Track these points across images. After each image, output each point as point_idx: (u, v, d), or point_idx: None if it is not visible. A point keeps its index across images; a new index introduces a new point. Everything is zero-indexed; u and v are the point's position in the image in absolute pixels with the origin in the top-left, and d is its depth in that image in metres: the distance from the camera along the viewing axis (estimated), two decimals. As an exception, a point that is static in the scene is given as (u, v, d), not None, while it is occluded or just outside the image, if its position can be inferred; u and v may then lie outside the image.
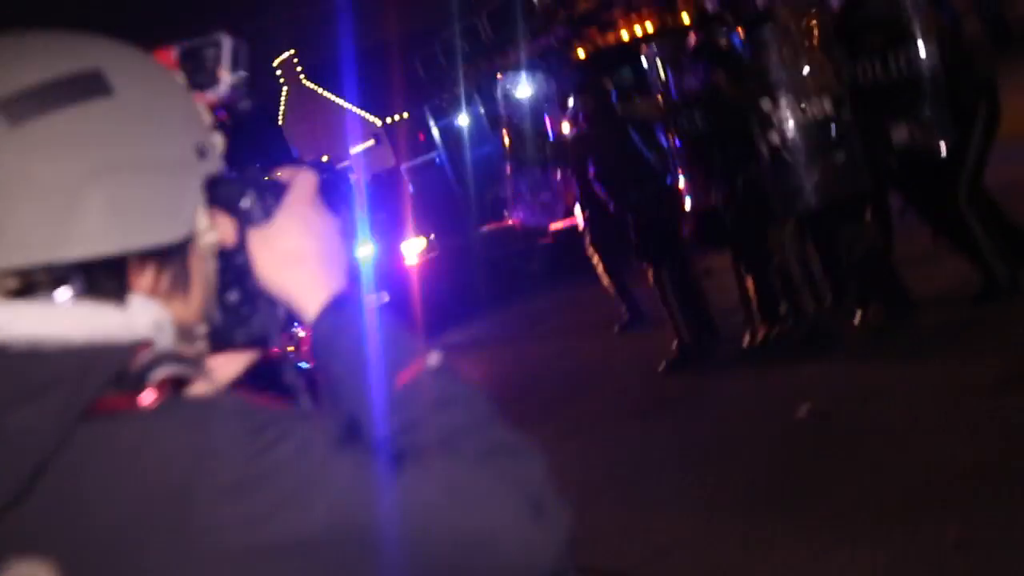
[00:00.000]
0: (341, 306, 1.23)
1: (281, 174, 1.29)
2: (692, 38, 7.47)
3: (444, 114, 15.63)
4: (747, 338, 7.68)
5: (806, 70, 6.54)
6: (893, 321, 6.81)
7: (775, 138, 6.55)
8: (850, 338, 6.99)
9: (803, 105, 6.46)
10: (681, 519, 5.41)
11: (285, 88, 41.20)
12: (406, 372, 1.19)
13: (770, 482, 5.45)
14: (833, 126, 6.48)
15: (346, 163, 30.46)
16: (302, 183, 1.27)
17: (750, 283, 7.45)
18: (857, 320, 6.97)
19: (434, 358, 1.22)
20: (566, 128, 8.97)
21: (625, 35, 13.15)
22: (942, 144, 6.36)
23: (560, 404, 8.31)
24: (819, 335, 7.12)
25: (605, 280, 9.47)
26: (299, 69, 40.81)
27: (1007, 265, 6.59)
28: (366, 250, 14.08)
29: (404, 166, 21.30)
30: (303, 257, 1.23)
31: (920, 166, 6.54)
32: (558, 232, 12.11)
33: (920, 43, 6.29)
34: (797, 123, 6.50)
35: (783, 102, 6.52)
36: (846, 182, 6.66)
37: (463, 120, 15.16)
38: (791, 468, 5.51)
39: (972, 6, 7.07)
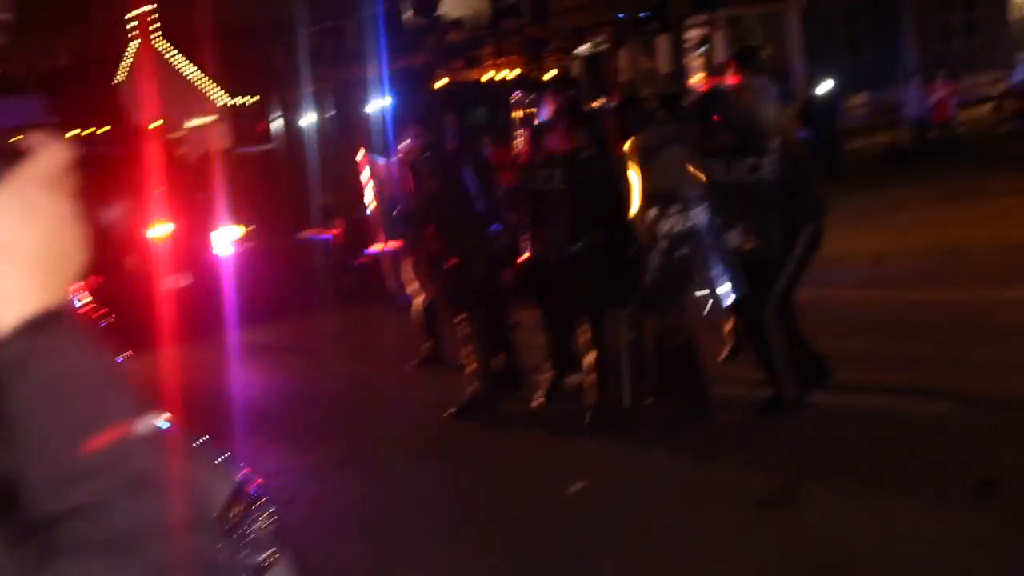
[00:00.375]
0: (44, 327, 0.91)
1: (24, 140, 0.98)
2: (554, 96, 7.43)
3: (291, 109, 15.26)
4: (538, 398, 7.63)
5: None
6: (687, 415, 6.84)
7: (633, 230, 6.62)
8: (642, 424, 6.97)
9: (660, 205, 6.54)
10: (430, 566, 5.30)
11: (135, 44, 39.83)
12: (102, 436, 0.89)
13: (524, 551, 5.38)
14: (683, 225, 6.55)
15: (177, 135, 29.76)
16: (45, 156, 0.97)
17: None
18: (650, 404, 6.99)
19: (145, 424, 0.92)
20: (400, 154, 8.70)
21: (489, 75, 13.10)
22: (766, 255, 6.54)
23: (338, 431, 8.07)
24: (612, 414, 7.10)
25: (416, 312, 9.26)
26: (153, 27, 39.46)
27: (794, 385, 6.74)
28: (163, 229, 13.50)
29: (237, 150, 20.77)
30: (9, 250, 0.92)
31: (745, 270, 6.64)
32: (377, 253, 11.89)
33: (767, 156, 6.44)
34: (652, 218, 6.57)
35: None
36: (682, 277, 6.80)
37: (310, 119, 14.82)
38: (549, 542, 5.44)
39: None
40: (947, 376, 7.11)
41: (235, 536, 3.52)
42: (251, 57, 19.22)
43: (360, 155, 8.60)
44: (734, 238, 6.53)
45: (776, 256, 6.58)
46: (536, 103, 7.48)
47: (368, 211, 9.54)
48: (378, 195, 8.74)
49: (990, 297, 8.63)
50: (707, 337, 7.29)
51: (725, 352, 7.76)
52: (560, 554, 5.34)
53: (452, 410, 7.79)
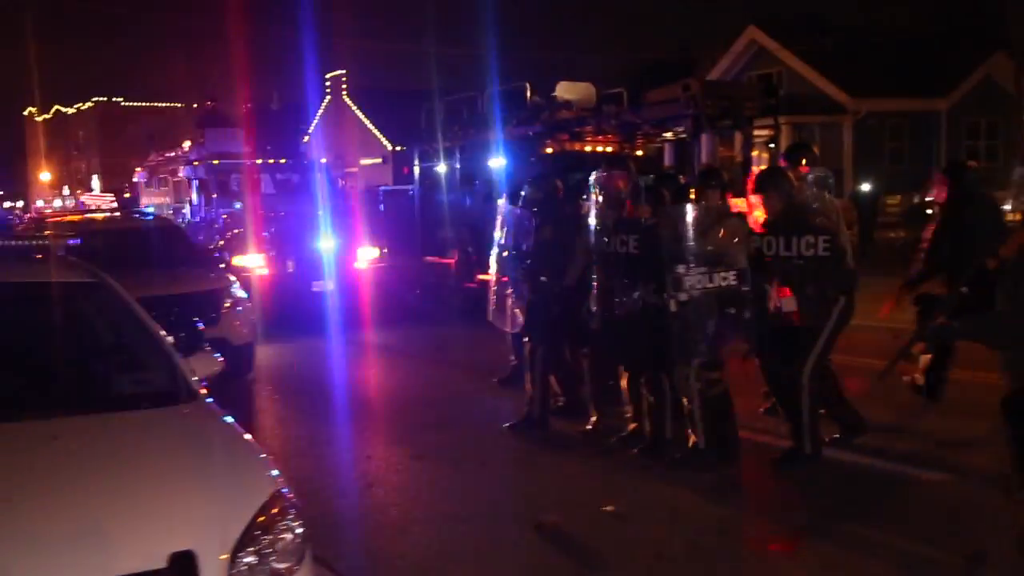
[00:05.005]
0: None
1: None
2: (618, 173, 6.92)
3: (428, 159, 14.98)
4: (590, 423, 7.07)
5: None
6: (714, 459, 6.19)
7: (683, 295, 5.97)
8: (676, 463, 6.28)
9: (711, 272, 5.91)
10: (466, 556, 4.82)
11: (328, 98, 40.49)
12: None
13: (546, 554, 4.85)
14: (733, 294, 5.92)
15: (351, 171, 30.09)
16: None
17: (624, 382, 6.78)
18: (684, 450, 6.32)
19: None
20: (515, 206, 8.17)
21: (587, 148, 12.64)
22: (807, 323, 5.98)
23: (424, 428, 7.60)
24: (656, 451, 6.47)
25: (510, 337, 8.54)
26: (344, 86, 40.06)
27: (815, 443, 6.09)
28: (330, 243, 13.41)
29: (382, 188, 20.67)
30: None
31: (781, 333, 6.02)
32: (484, 281, 11.54)
33: (822, 236, 5.88)
34: (704, 286, 5.93)
35: (693, 266, 5.95)
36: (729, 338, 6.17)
37: (441, 169, 14.53)
38: (569, 552, 4.93)
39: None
40: (953, 449, 6.37)
41: (265, 539, 3.08)
42: (406, 115, 19.11)
43: (500, 203, 8.09)
44: (789, 304, 5.89)
45: (814, 326, 6.00)
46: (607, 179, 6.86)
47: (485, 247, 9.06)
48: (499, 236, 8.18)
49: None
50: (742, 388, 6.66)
51: (766, 405, 7.08)
52: (577, 564, 4.86)
53: (507, 424, 7.29)
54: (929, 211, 9.26)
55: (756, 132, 13.19)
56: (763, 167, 12.93)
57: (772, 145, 13.48)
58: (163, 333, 4.25)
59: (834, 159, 24.89)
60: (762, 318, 5.97)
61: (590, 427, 7.09)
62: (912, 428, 6.87)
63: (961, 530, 5.00)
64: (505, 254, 7.60)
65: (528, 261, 7.36)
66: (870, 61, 25.61)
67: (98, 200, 31.84)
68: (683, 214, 5.99)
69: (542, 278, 7.24)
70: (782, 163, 7.33)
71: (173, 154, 18.85)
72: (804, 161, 7.13)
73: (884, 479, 5.94)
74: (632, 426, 6.78)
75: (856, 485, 5.87)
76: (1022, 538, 4.13)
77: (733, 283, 5.92)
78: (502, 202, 8.08)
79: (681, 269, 5.94)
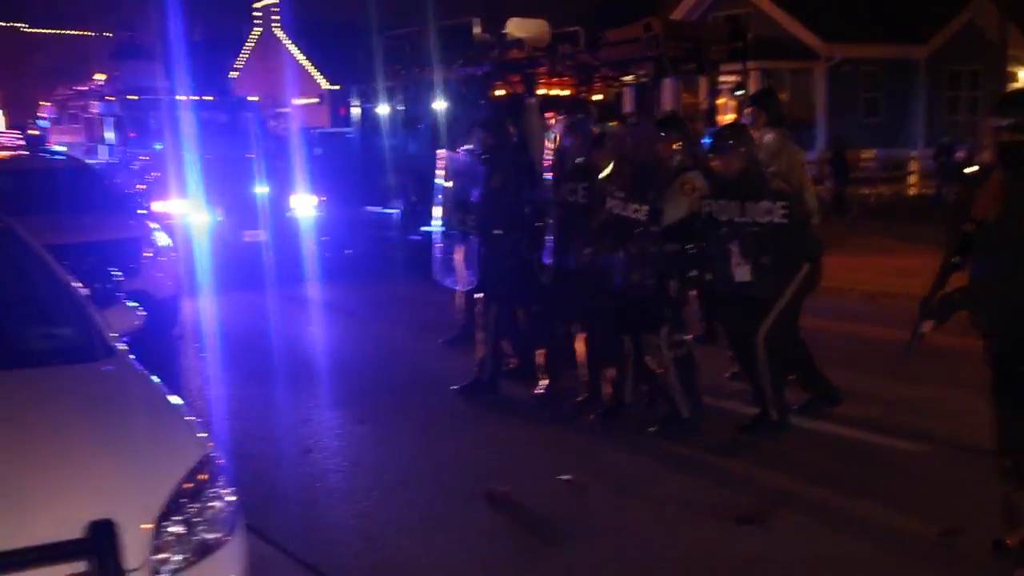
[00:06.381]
0: None
1: None
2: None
3: (368, 99, 14.76)
4: (542, 386, 7.09)
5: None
6: (692, 428, 6.25)
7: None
8: (636, 430, 6.33)
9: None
10: (410, 524, 4.83)
11: (258, 31, 39.65)
12: None
13: (499, 527, 4.90)
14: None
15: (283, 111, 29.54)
16: None
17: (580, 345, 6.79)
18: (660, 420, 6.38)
19: None
20: (462, 150, 8.09)
21: (541, 91, 12.52)
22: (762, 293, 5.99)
23: (364, 391, 7.59)
24: (613, 416, 6.52)
25: (460, 294, 8.52)
26: (276, 17, 39.21)
27: (779, 408, 6.16)
28: (262, 189, 13.20)
29: (316, 131, 20.33)
30: None
31: (739, 299, 6.05)
32: (429, 233, 11.42)
33: (780, 201, 5.85)
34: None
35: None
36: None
37: (382, 110, 14.32)
38: (525, 524, 5.02)
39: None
40: (928, 418, 6.51)
41: (192, 507, 3.03)
42: (344, 51, 18.79)
43: (441, 151, 7.97)
44: (743, 273, 5.89)
45: (771, 293, 6.02)
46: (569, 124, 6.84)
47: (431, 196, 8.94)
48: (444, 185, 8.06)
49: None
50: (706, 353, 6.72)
51: (733, 370, 7.15)
52: (531, 536, 4.91)
53: (455, 387, 7.30)
54: (968, 170, 8.94)
55: (722, 78, 13.22)
56: (729, 118, 13.02)
57: (739, 92, 13.52)
58: (76, 284, 4.13)
59: (806, 108, 25.12)
60: (725, 280, 5.99)
61: (541, 391, 7.10)
62: (887, 396, 6.99)
63: (936, 502, 5.11)
64: (450, 205, 7.52)
65: (477, 212, 7.30)
66: (845, 3, 25.73)
67: (3, 138, 30.98)
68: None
69: (495, 231, 7.18)
70: (747, 112, 7.32)
71: (85, 88, 18.28)
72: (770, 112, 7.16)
73: (855, 448, 6.05)
74: (587, 390, 6.81)
75: (826, 454, 5.97)
76: (1008, 509, 4.24)
77: (643, 219, 5.99)
78: (443, 151, 7.98)
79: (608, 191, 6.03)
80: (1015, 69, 26.37)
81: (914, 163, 23.91)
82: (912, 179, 23.76)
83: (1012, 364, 4.04)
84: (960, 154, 20.34)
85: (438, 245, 7.69)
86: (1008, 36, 24.24)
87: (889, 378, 7.23)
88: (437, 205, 7.63)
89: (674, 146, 6.67)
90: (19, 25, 62.01)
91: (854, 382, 6.97)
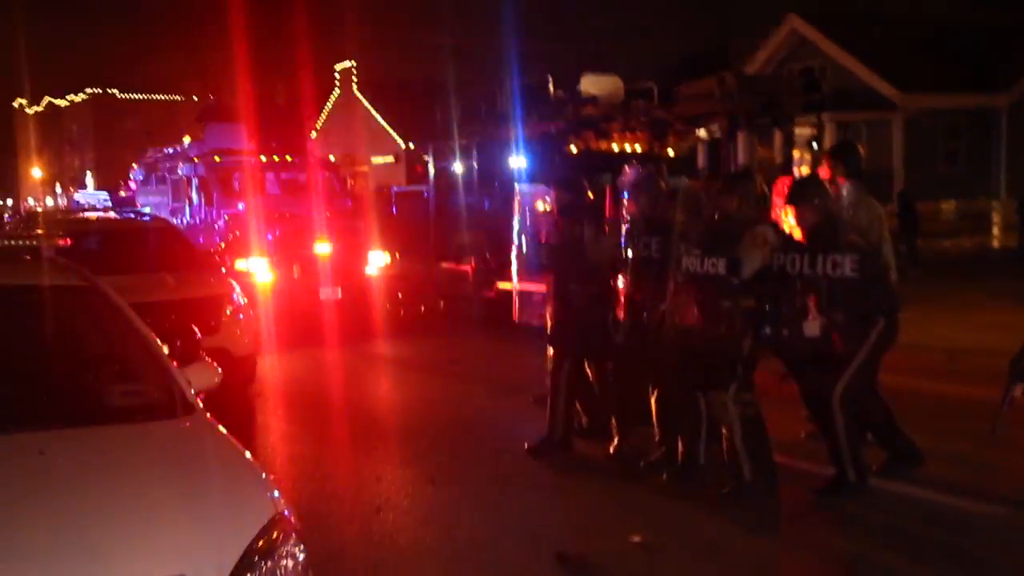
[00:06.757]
0: None
1: None
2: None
3: (444, 157, 15.01)
4: (614, 445, 7.03)
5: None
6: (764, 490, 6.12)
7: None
8: (709, 490, 6.21)
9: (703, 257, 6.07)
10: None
11: (336, 92, 40.67)
12: None
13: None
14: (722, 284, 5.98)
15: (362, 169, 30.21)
16: None
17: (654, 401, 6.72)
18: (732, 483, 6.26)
19: None
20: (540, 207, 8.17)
21: (615, 147, 12.60)
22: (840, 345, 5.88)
23: (437, 449, 7.58)
24: (688, 477, 6.42)
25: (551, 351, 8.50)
26: (354, 79, 40.18)
27: (860, 470, 6.02)
28: (338, 248, 13.44)
29: (394, 189, 20.69)
30: None
31: (814, 356, 5.95)
32: (503, 291, 11.55)
33: (848, 255, 5.77)
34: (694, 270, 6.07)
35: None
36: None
37: (457, 168, 14.54)
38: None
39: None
40: (1012, 481, 6.29)
41: (264, 565, 3.07)
42: (420, 111, 19.15)
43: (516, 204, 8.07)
44: (812, 328, 5.81)
45: (847, 349, 5.90)
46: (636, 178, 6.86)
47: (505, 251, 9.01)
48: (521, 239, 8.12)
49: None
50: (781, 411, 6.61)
51: (808, 429, 6.99)
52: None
53: (528, 445, 7.26)
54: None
55: (797, 130, 13.16)
56: (804, 170, 12.93)
57: (815, 144, 13.44)
58: (158, 342, 4.26)
59: (882, 160, 24.76)
60: (798, 336, 5.91)
61: (613, 450, 7.05)
62: (969, 457, 6.77)
63: (1020, 569, 4.92)
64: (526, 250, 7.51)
65: (555, 267, 7.32)
66: (922, 53, 25.42)
67: (92, 199, 32.10)
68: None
69: (570, 285, 7.19)
70: (823, 168, 7.23)
71: (172, 150, 18.95)
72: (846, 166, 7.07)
73: (936, 512, 5.85)
74: (660, 449, 6.73)
75: (906, 518, 5.78)
76: None
77: (722, 272, 5.92)
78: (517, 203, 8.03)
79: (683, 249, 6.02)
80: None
81: (996, 214, 23.33)
82: (995, 231, 23.19)
83: None
84: None
85: (516, 292, 7.67)
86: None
87: (971, 438, 7.00)
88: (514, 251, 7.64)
89: (746, 200, 6.64)
90: (112, 91, 64.62)
91: (934, 442, 6.77)
